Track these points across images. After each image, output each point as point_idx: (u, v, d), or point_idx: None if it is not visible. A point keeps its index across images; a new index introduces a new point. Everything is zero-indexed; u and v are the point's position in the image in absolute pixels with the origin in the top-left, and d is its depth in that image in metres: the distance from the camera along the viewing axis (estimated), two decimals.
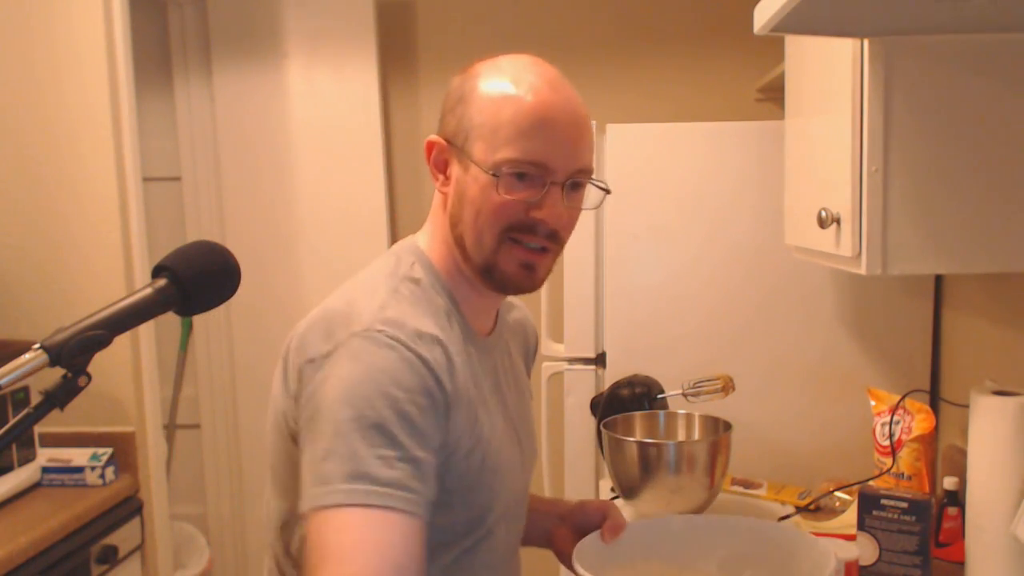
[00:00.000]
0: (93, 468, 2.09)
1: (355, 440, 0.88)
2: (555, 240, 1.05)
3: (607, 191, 1.08)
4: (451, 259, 1.07)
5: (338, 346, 0.94)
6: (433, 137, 1.08)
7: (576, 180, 1.04)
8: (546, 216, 1.02)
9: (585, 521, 1.22)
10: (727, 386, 1.81)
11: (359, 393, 0.90)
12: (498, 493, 1.05)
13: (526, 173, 1.01)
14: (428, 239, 1.10)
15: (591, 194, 1.08)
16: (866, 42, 1.29)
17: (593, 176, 1.07)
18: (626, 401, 1.87)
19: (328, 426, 0.90)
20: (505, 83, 1.02)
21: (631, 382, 1.90)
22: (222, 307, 0.96)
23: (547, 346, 2.17)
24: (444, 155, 1.07)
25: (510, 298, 1.20)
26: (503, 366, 1.15)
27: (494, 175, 1.00)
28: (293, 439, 0.99)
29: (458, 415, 0.98)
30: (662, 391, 1.89)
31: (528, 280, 1.05)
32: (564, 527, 1.24)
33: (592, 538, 1.15)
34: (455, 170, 1.05)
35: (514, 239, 1.02)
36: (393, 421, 0.90)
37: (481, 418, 1.03)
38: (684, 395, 1.83)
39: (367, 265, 1.10)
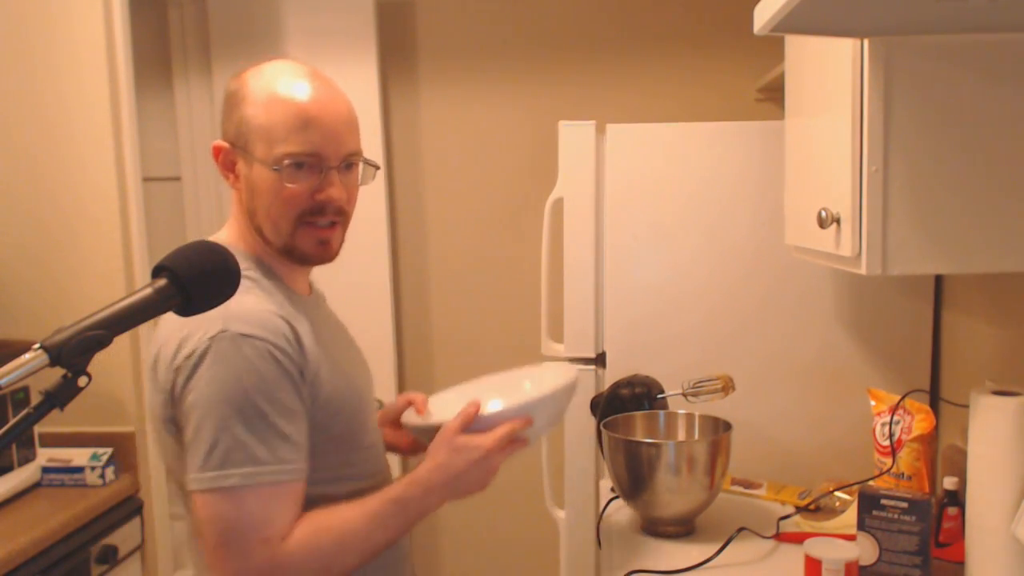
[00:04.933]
0: (93, 468, 2.09)
1: (239, 430, 1.07)
2: (341, 215, 1.23)
3: (376, 167, 1.28)
4: (259, 245, 1.23)
5: (201, 350, 1.09)
6: (218, 142, 1.22)
7: (348, 162, 1.22)
8: (329, 196, 1.19)
9: (397, 413, 1.45)
10: (727, 386, 1.81)
11: (233, 391, 1.07)
12: (349, 407, 1.24)
13: (304, 163, 1.17)
14: (234, 234, 1.24)
15: (365, 171, 1.27)
16: (866, 42, 1.29)
17: (363, 156, 1.26)
18: (626, 401, 1.87)
19: (212, 421, 1.07)
20: (272, 87, 1.18)
21: (631, 382, 1.90)
22: None
23: (547, 346, 2.17)
24: (230, 157, 1.21)
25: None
26: (325, 315, 1.35)
27: (276, 169, 1.16)
28: (165, 429, 1.15)
29: (311, 368, 1.15)
30: (662, 391, 1.89)
31: (325, 253, 1.24)
32: (389, 427, 1.46)
33: (408, 412, 1.44)
34: (242, 169, 1.21)
35: (307, 222, 1.20)
36: (266, 407, 1.09)
37: (328, 361, 1.20)
38: (684, 395, 1.83)
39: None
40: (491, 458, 1.22)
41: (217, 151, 1.22)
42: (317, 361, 1.16)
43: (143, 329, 2.21)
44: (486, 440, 1.21)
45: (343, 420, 1.21)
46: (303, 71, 1.21)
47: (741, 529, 1.64)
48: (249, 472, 1.07)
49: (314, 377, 1.15)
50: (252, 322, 1.10)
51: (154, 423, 1.18)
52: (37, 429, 2.11)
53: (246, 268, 1.17)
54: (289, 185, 1.17)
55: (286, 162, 1.16)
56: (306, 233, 1.20)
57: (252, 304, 1.13)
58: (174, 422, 1.13)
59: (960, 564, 1.43)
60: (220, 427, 1.07)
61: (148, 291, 0.86)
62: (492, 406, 1.29)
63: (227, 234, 1.26)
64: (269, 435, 1.08)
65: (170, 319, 1.07)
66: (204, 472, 1.07)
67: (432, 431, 1.28)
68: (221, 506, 1.07)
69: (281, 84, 1.18)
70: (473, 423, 1.24)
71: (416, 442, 1.43)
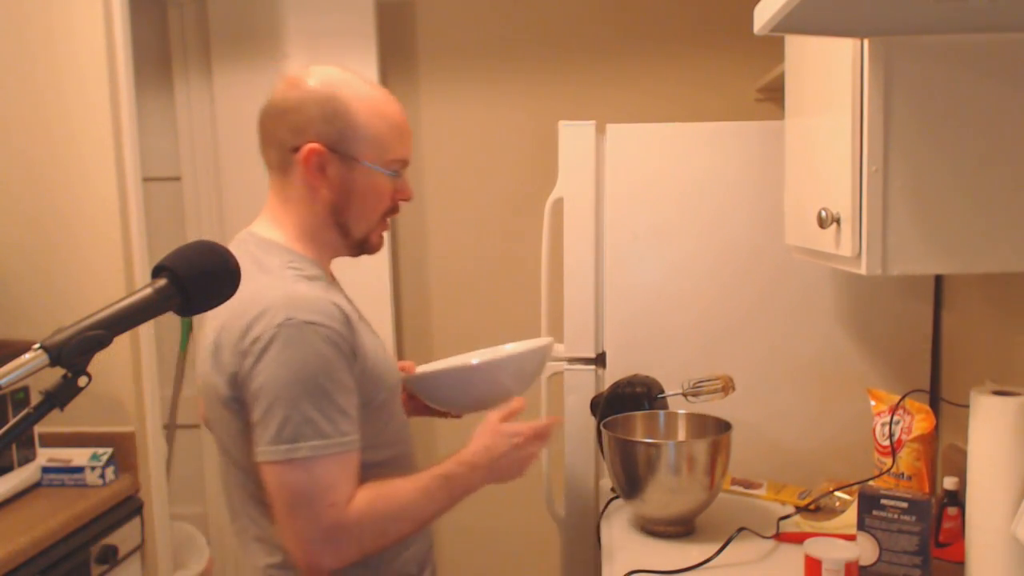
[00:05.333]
0: (93, 468, 2.09)
1: (307, 408, 1.18)
2: None
3: None
4: (309, 238, 1.34)
5: (268, 336, 1.18)
6: (315, 145, 1.29)
7: None
8: (408, 197, 1.38)
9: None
10: (727, 386, 1.81)
11: (301, 373, 1.18)
12: (388, 379, 1.35)
13: (402, 168, 1.35)
14: (281, 230, 1.34)
15: None
16: (866, 42, 1.29)
17: None
18: (626, 401, 1.87)
19: (284, 400, 1.18)
20: (373, 99, 1.31)
21: (631, 382, 1.90)
22: None
23: None
24: (324, 159, 1.29)
25: None
26: (350, 299, 1.43)
27: (390, 173, 1.32)
28: (226, 407, 1.24)
29: (359, 348, 1.26)
30: (662, 391, 1.90)
31: (381, 244, 1.40)
32: None
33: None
34: (336, 171, 1.30)
35: (385, 217, 1.37)
36: (329, 387, 1.20)
37: (367, 336, 1.31)
38: (684, 395, 1.83)
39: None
40: (529, 444, 1.37)
41: (312, 153, 1.28)
42: (361, 339, 1.27)
43: (143, 329, 2.21)
44: (525, 428, 1.37)
45: (383, 391, 1.32)
46: (371, 81, 1.35)
47: (741, 529, 1.64)
48: (317, 445, 1.18)
49: (362, 355, 1.26)
50: (313, 310, 1.21)
51: (214, 402, 1.27)
52: (37, 429, 2.11)
53: (289, 260, 1.30)
54: (389, 187, 1.33)
55: (396, 167, 1.33)
56: (380, 227, 1.37)
57: (306, 292, 1.24)
58: (238, 401, 1.23)
59: (960, 564, 1.43)
60: (291, 405, 1.18)
61: (148, 291, 0.86)
62: (474, 360, 1.54)
63: (277, 232, 1.34)
64: (332, 411, 1.20)
65: (224, 307, 1.10)
66: (278, 445, 1.18)
67: (428, 378, 1.53)
68: (293, 475, 1.18)
69: (379, 96, 1.32)
70: (439, 376, 1.51)
71: (408, 402, 1.55)
